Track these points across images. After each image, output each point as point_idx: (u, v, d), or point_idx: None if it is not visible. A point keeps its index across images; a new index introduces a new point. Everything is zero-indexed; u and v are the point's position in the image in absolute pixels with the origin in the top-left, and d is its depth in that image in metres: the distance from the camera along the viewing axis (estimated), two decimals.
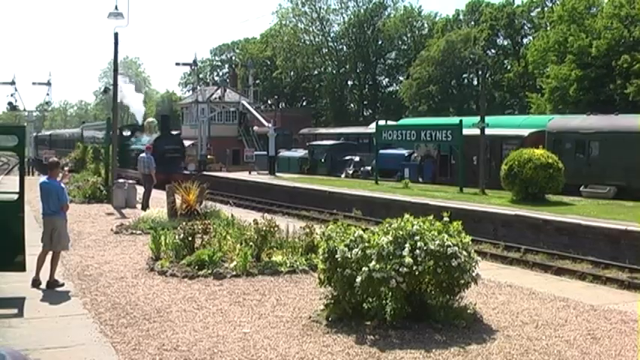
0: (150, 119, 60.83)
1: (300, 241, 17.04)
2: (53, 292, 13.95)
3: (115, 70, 37.70)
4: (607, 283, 20.99)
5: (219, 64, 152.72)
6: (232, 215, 21.16)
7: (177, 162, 49.99)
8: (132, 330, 11.16)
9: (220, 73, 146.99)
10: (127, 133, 57.30)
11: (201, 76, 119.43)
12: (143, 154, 31.71)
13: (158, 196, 29.65)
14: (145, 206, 28.53)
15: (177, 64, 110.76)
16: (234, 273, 15.16)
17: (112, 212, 28.44)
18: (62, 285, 14.44)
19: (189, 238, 16.72)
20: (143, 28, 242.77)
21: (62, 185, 15.35)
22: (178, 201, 23.19)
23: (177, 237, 16.84)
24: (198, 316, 12.02)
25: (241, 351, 10.06)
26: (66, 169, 38.24)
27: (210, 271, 15.20)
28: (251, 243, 16.31)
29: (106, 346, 10.41)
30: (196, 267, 15.49)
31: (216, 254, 15.86)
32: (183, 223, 17.41)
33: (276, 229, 16.77)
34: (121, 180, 32.61)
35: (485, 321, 11.60)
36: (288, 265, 15.72)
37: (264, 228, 16.36)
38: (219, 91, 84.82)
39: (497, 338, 10.69)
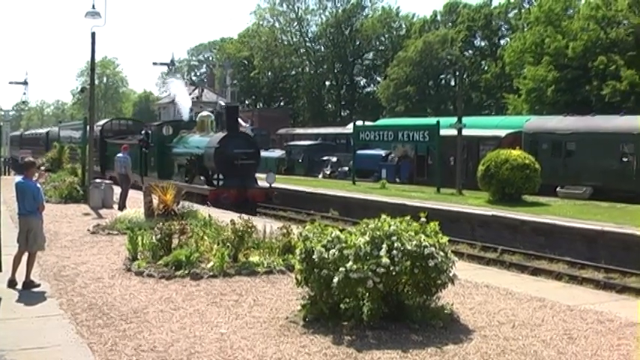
0: (204, 113, 44.57)
1: (278, 241, 17.01)
2: (29, 293, 13.87)
3: (92, 70, 37.56)
4: (583, 284, 21.14)
5: (197, 64, 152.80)
6: (209, 215, 21.12)
7: (252, 171, 36.55)
8: (108, 331, 11.11)
9: (198, 73, 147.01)
10: (167, 131, 43.08)
11: (178, 76, 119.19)
12: (120, 154, 31.58)
13: (135, 197, 29.54)
14: (122, 206, 28.44)
15: (155, 63, 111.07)
16: (211, 273, 15.11)
17: (88, 212, 28.31)
18: (38, 285, 14.36)
19: (166, 239, 16.66)
20: (120, 27, 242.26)
21: (38, 185, 15.28)
22: (155, 201, 23.12)
23: (154, 237, 16.76)
24: (175, 316, 11.99)
25: (218, 351, 10.04)
26: (42, 168, 38.15)
27: (187, 272, 15.14)
28: (228, 243, 16.28)
29: (83, 347, 10.36)
30: (173, 267, 15.43)
31: (193, 255, 15.82)
32: (160, 224, 17.33)
33: (253, 229, 16.74)
34: (98, 180, 32.47)
35: (462, 321, 11.62)
36: (265, 265, 15.67)
37: (241, 228, 16.33)
38: (196, 91, 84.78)
39: (474, 338, 10.72)
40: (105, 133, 53.63)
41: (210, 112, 46.00)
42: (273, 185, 37.13)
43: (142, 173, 43.37)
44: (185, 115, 47.30)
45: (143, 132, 46.76)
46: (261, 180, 37.39)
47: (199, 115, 43.59)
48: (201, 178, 36.65)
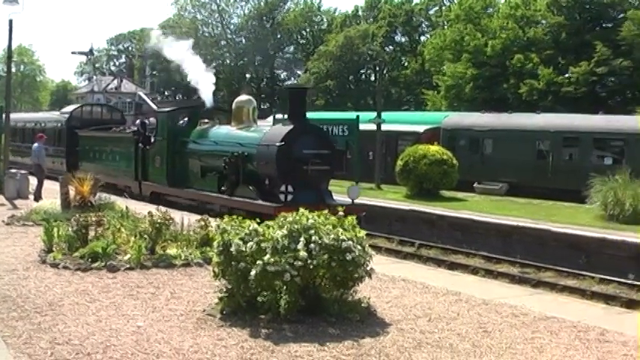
0: (243, 97, 29.52)
1: (195, 234, 16.92)
2: None
3: (9, 58, 37.00)
4: (498, 278, 21.51)
5: (116, 53, 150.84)
6: (127, 207, 20.92)
7: (326, 180, 24.72)
8: (23, 323, 10.93)
9: (117, 63, 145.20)
10: (181, 120, 30.42)
11: (97, 65, 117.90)
12: (35, 144, 31.05)
13: (51, 187, 29.08)
14: (38, 197, 28.00)
15: (74, 52, 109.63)
16: (128, 266, 14.93)
17: (3, 203, 27.79)
18: None
19: (83, 230, 16.44)
20: (38, 14, 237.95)
21: None
22: (72, 192, 22.82)
23: (70, 229, 16.53)
24: (91, 309, 11.84)
25: (135, 344, 9.95)
26: None
27: (103, 264, 14.94)
28: (145, 235, 16.13)
29: None
30: (89, 259, 15.21)
31: (109, 247, 15.62)
32: (77, 215, 17.13)
33: (171, 221, 16.62)
34: (13, 170, 31.87)
35: (379, 315, 11.69)
36: (182, 258, 15.56)
37: (158, 220, 16.21)
38: (115, 81, 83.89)
39: (390, 332, 10.78)
40: (73, 123, 43.33)
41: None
42: (356, 201, 24.34)
43: (138, 178, 32.16)
44: (208, 100, 31.89)
45: (138, 122, 37.59)
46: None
47: (236, 100, 29.32)
48: (250, 188, 24.53)
